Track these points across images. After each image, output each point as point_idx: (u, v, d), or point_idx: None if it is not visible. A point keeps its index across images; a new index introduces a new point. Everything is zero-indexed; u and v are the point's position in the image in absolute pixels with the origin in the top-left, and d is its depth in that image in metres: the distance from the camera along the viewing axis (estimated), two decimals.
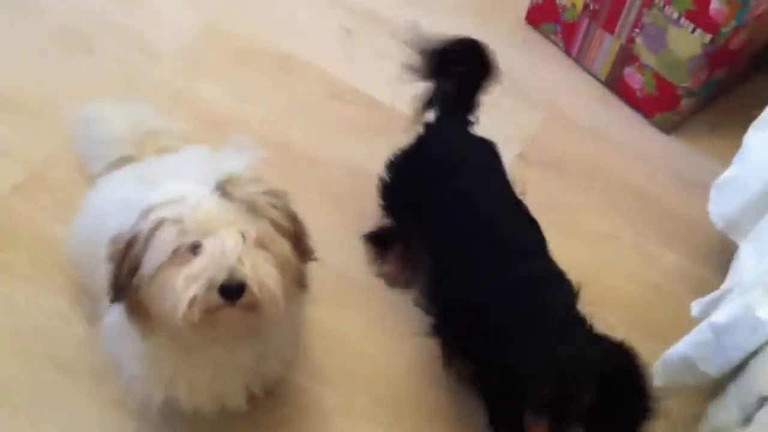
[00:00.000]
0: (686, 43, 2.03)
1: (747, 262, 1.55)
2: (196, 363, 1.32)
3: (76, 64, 2.22)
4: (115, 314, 1.29)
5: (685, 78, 2.10)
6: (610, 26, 2.21)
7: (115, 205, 1.40)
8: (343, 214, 1.97)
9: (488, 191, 1.63)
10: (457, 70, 1.78)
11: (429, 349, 1.71)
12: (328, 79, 2.29)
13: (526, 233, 1.58)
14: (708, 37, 1.98)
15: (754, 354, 1.35)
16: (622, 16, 2.15)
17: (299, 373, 1.68)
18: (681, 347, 1.45)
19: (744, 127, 1.81)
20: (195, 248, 1.14)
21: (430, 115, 1.82)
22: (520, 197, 1.65)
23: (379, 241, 1.89)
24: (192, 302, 1.14)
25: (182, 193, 1.16)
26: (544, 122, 2.25)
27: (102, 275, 1.31)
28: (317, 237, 1.34)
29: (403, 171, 1.76)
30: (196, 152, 1.54)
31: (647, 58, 2.15)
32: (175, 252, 1.15)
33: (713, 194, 1.78)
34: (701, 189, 2.04)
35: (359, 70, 2.33)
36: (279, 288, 1.18)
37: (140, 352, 1.31)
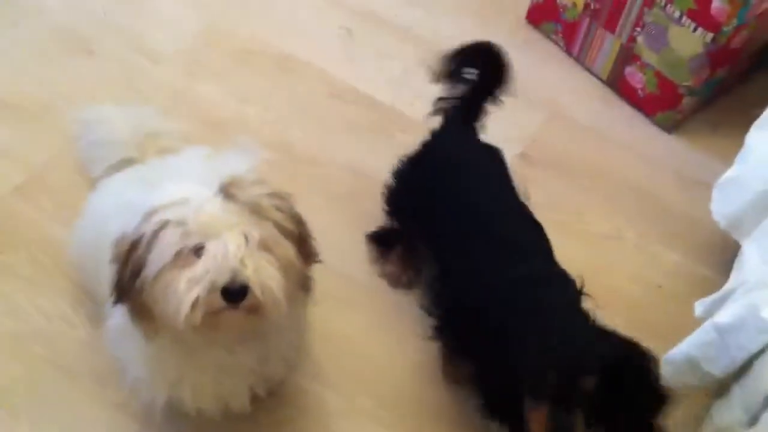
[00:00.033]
0: (688, 42, 2.03)
1: (750, 261, 1.55)
2: (200, 365, 1.32)
3: (76, 64, 2.22)
4: (119, 316, 1.28)
5: (686, 77, 2.10)
6: (611, 25, 2.20)
7: (117, 207, 1.39)
8: (344, 215, 1.97)
9: (493, 197, 1.63)
10: (470, 75, 1.78)
11: (431, 349, 1.72)
12: (328, 79, 2.29)
13: (528, 234, 1.58)
14: (709, 36, 1.98)
15: (758, 354, 1.35)
16: (623, 15, 2.15)
17: (301, 375, 1.68)
18: (684, 347, 1.45)
19: (745, 126, 1.81)
20: (198, 250, 1.14)
21: (439, 120, 1.83)
22: (526, 202, 1.65)
23: (381, 241, 1.89)
24: (194, 304, 1.13)
25: (185, 195, 1.15)
26: (544, 122, 2.25)
27: (104, 277, 1.31)
28: (318, 238, 1.33)
29: (408, 177, 1.77)
30: (197, 154, 1.53)
31: (648, 57, 2.15)
32: (178, 254, 1.14)
33: (715, 194, 1.78)
34: (703, 188, 2.04)
35: (359, 70, 2.33)
36: (282, 291, 1.17)
37: (144, 353, 1.31)
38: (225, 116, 2.15)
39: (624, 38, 2.19)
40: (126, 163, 1.72)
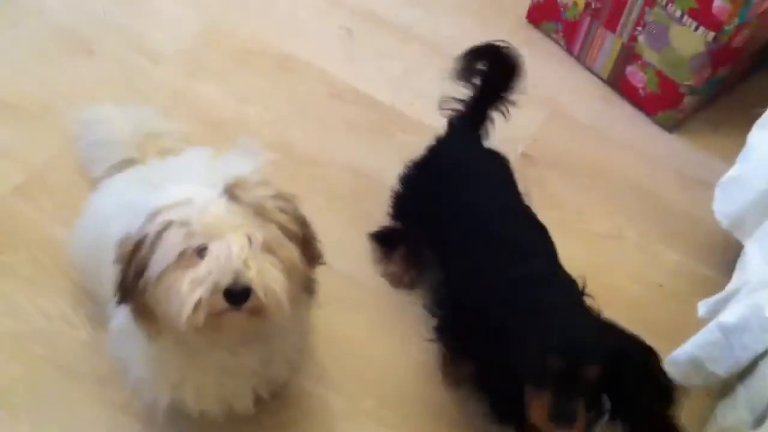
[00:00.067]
0: (689, 41, 2.03)
1: (753, 261, 1.55)
2: (203, 366, 1.31)
3: (76, 64, 2.22)
4: (122, 316, 1.28)
5: (687, 76, 2.10)
6: (612, 25, 2.20)
7: (118, 208, 1.40)
8: (344, 215, 1.97)
9: (498, 202, 1.63)
10: (480, 77, 1.80)
11: (434, 349, 1.72)
12: (328, 79, 2.28)
13: (532, 237, 1.58)
14: (711, 35, 1.98)
15: (763, 354, 1.35)
16: (624, 14, 2.15)
17: (305, 377, 1.67)
18: (689, 348, 1.45)
19: (746, 124, 1.81)
20: (201, 251, 1.13)
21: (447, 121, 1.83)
22: (530, 204, 1.66)
23: (384, 241, 1.88)
24: (197, 305, 1.13)
25: (189, 196, 1.15)
26: (545, 121, 2.25)
27: (106, 278, 1.31)
28: (319, 238, 1.32)
29: (414, 183, 1.77)
30: (198, 154, 1.53)
31: (650, 56, 2.15)
32: (182, 255, 1.14)
33: (718, 193, 1.78)
34: (703, 187, 2.05)
35: (359, 70, 2.32)
36: (285, 293, 1.16)
37: (147, 354, 1.31)
38: (225, 116, 2.15)
39: (625, 37, 2.18)
40: (127, 163, 1.72)
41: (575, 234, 1.99)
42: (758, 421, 1.32)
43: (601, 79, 2.35)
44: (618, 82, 2.30)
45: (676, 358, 1.46)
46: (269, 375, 1.40)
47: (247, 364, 1.33)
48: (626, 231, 2.04)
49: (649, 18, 2.09)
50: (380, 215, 1.90)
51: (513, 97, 1.82)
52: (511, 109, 1.83)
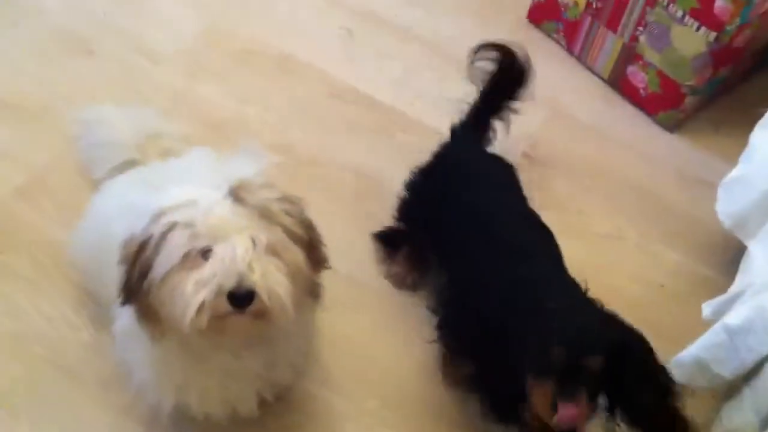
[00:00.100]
0: (691, 41, 2.03)
1: (758, 262, 1.55)
2: (207, 369, 1.31)
3: (75, 65, 2.21)
4: (126, 318, 1.28)
5: (689, 76, 2.10)
6: (613, 25, 2.20)
7: (120, 209, 1.39)
8: (346, 215, 1.96)
9: (503, 206, 1.64)
10: (487, 82, 1.82)
11: (436, 350, 1.72)
12: (328, 79, 2.28)
13: (537, 240, 1.58)
14: (712, 35, 1.98)
15: None
16: (626, 14, 2.15)
17: (308, 379, 1.67)
18: (694, 350, 1.44)
19: (747, 124, 1.81)
20: (206, 253, 1.13)
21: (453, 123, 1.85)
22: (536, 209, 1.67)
23: (388, 242, 1.88)
24: (201, 308, 1.12)
25: (194, 197, 1.15)
26: (545, 121, 2.24)
27: (108, 279, 1.31)
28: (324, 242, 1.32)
29: (420, 189, 1.77)
30: (200, 156, 1.53)
31: (651, 56, 2.15)
32: (186, 256, 1.13)
33: (720, 193, 1.77)
34: (705, 187, 2.05)
35: (359, 70, 2.32)
36: (289, 296, 1.16)
37: (151, 356, 1.30)
38: (225, 117, 2.14)
39: (626, 37, 2.18)
40: (128, 164, 1.72)
41: (576, 234, 1.98)
42: (764, 423, 1.32)
43: (602, 79, 2.34)
44: (619, 82, 2.30)
45: (681, 359, 1.46)
46: (273, 378, 1.40)
47: (252, 367, 1.33)
48: (627, 231, 2.04)
49: (650, 18, 2.08)
50: (381, 215, 1.91)
51: (517, 104, 1.84)
52: (512, 111, 1.84)
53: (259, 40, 2.34)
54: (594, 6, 2.22)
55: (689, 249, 2.02)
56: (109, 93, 2.13)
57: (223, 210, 1.13)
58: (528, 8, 2.47)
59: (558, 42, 2.42)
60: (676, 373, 1.43)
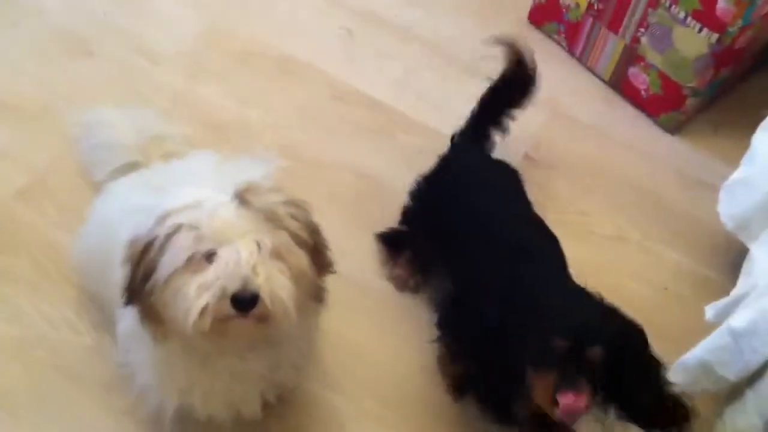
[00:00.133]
0: (693, 42, 2.02)
1: (761, 265, 1.55)
2: (211, 371, 1.30)
3: (76, 66, 2.21)
4: (129, 319, 1.27)
5: (691, 78, 2.09)
6: (614, 26, 2.20)
7: (123, 212, 1.39)
8: (347, 216, 1.96)
9: (508, 213, 1.64)
10: (493, 87, 1.82)
11: (436, 349, 1.72)
12: (329, 80, 2.28)
13: (537, 242, 1.58)
14: (715, 36, 1.97)
15: None
16: (627, 15, 2.14)
17: (311, 380, 1.67)
18: (698, 352, 1.44)
19: (747, 125, 1.81)
20: (210, 256, 1.12)
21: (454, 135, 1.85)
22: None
23: (391, 243, 1.88)
24: (204, 311, 1.12)
25: (200, 200, 1.14)
26: (546, 122, 2.24)
27: (112, 282, 1.30)
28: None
29: (424, 197, 1.77)
30: (203, 158, 1.52)
31: (653, 58, 2.14)
32: (190, 259, 1.13)
33: (722, 195, 1.77)
34: (705, 189, 2.06)
35: (360, 70, 2.32)
36: (292, 301, 1.15)
37: (154, 358, 1.30)
38: (226, 118, 2.14)
39: (627, 39, 2.18)
40: (130, 167, 1.71)
41: (576, 235, 1.98)
42: None
43: (603, 80, 2.34)
44: (620, 84, 2.29)
45: (686, 362, 1.46)
46: (277, 380, 1.40)
47: (256, 369, 1.33)
48: (628, 232, 2.04)
49: (652, 19, 2.08)
50: (383, 217, 1.91)
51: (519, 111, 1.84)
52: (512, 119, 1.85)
53: (260, 40, 2.34)
54: (595, 7, 2.22)
55: (690, 250, 2.02)
56: (109, 93, 2.13)
57: (228, 213, 1.13)
58: (529, 9, 2.47)
59: (559, 43, 2.42)
60: (681, 376, 1.43)
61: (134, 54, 2.26)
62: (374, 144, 2.14)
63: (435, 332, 1.67)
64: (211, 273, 1.12)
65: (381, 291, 1.85)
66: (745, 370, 1.39)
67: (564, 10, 2.33)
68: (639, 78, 2.22)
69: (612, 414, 1.37)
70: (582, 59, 2.37)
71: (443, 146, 1.86)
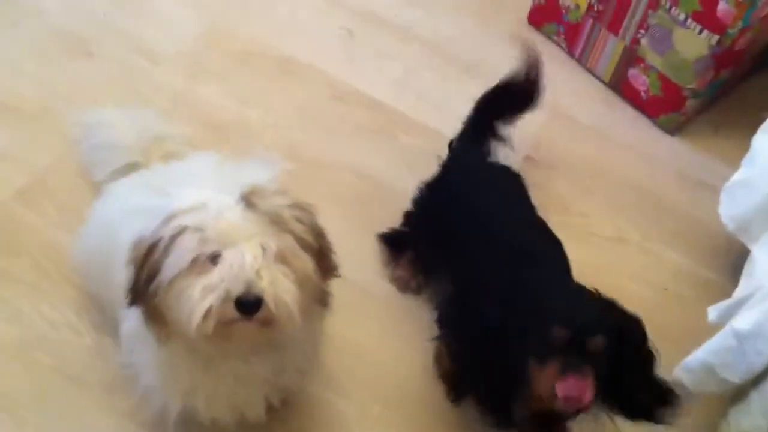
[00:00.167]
0: (693, 44, 2.03)
1: (763, 267, 1.55)
2: (215, 374, 1.30)
3: (75, 66, 2.20)
4: (133, 320, 1.27)
5: (690, 79, 2.10)
6: (614, 27, 2.20)
7: (124, 213, 1.39)
8: (347, 217, 1.95)
9: (511, 216, 1.64)
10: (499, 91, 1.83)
11: (434, 347, 1.72)
12: (329, 80, 2.27)
13: (540, 246, 1.58)
14: (715, 38, 1.98)
15: None
16: (627, 17, 2.14)
17: (314, 383, 1.66)
18: (701, 354, 1.44)
19: (747, 126, 1.82)
20: (214, 258, 1.12)
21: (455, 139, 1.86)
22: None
23: (393, 244, 1.88)
24: (207, 313, 1.11)
25: (205, 201, 1.14)
26: (546, 123, 2.24)
27: (113, 284, 1.30)
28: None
29: (427, 204, 1.78)
30: (205, 159, 1.52)
31: (653, 59, 2.14)
32: (195, 261, 1.12)
33: (723, 197, 1.78)
34: (706, 190, 2.06)
35: (360, 71, 2.31)
36: (296, 305, 1.15)
37: (158, 360, 1.30)
38: (226, 119, 2.13)
39: (627, 40, 2.18)
40: (130, 167, 1.70)
41: (577, 236, 1.97)
42: None
43: (603, 82, 2.35)
44: (620, 85, 2.30)
45: (690, 364, 1.46)
46: (282, 383, 1.39)
47: (260, 373, 1.32)
48: (629, 233, 2.05)
49: (652, 21, 2.08)
50: (384, 218, 1.90)
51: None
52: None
53: (260, 40, 2.34)
54: (595, 8, 2.22)
55: (690, 251, 2.02)
56: (109, 94, 2.12)
57: (233, 215, 1.13)
58: (528, 10, 2.47)
59: (558, 44, 2.42)
60: (684, 379, 1.43)
61: (134, 54, 2.25)
62: (374, 144, 2.14)
63: (436, 332, 1.67)
64: (216, 275, 1.11)
65: (383, 292, 1.85)
66: (749, 372, 1.39)
67: (564, 11, 2.33)
68: (639, 79, 2.22)
69: (604, 409, 1.38)
70: (582, 60, 2.37)
71: (443, 146, 1.86)
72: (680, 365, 1.47)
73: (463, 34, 2.44)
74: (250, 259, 1.11)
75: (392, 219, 1.88)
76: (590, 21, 2.26)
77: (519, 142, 2.11)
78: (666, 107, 2.21)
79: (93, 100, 2.07)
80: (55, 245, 1.80)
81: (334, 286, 1.35)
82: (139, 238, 1.18)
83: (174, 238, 1.14)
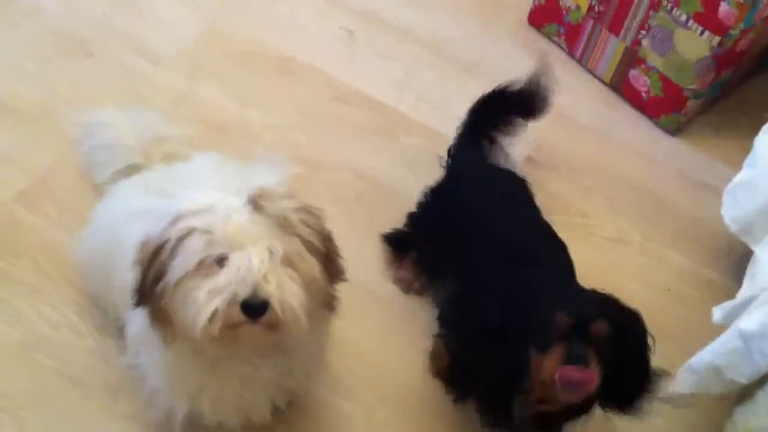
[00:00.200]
0: (694, 45, 2.03)
1: (766, 268, 1.55)
2: (221, 376, 1.30)
3: (75, 67, 2.19)
4: (139, 322, 1.26)
5: (691, 80, 2.10)
6: (615, 28, 2.20)
7: (127, 215, 1.38)
8: (348, 218, 1.95)
9: (515, 219, 1.64)
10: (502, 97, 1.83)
11: (433, 344, 1.72)
12: (329, 81, 2.27)
13: (544, 248, 1.58)
14: (716, 39, 1.98)
15: None
16: (628, 18, 2.14)
17: (318, 385, 1.66)
18: (707, 355, 1.44)
19: (747, 127, 1.83)
20: (221, 260, 1.12)
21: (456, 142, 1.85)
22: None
23: (396, 244, 1.88)
24: (213, 316, 1.11)
25: (213, 203, 1.14)
26: (547, 123, 2.21)
27: (116, 285, 1.30)
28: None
29: (431, 212, 1.77)
30: (207, 160, 1.51)
31: (653, 60, 2.14)
32: (202, 263, 1.12)
33: (726, 198, 1.78)
34: (707, 190, 2.07)
35: (361, 71, 2.31)
36: (303, 308, 1.15)
37: (164, 362, 1.29)
38: (227, 119, 2.13)
39: (628, 41, 2.18)
40: (132, 168, 1.70)
41: (579, 236, 1.98)
42: None
43: (604, 82, 2.35)
44: (621, 86, 2.30)
45: (695, 366, 1.46)
46: (287, 386, 1.39)
47: (266, 375, 1.32)
48: (630, 234, 2.05)
49: (653, 22, 2.08)
50: (384, 218, 1.91)
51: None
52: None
53: (260, 41, 2.33)
54: (596, 9, 2.22)
55: (692, 252, 2.02)
56: (110, 95, 2.12)
57: (241, 218, 1.12)
58: (529, 10, 2.47)
59: (559, 45, 2.42)
60: (690, 380, 1.43)
61: (134, 55, 2.24)
62: (375, 144, 2.14)
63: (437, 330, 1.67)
64: (222, 278, 1.11)
65: (385, 293, 1.84)
66: (755, 373, 1.39)
67: (564, 11, 2.33)
68: (640, 80, 2.22)
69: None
70: (582, 61, 2.37)
71: (444, 146, 1.86)
72: (685, 366, 1.47)
73: (463, 34, 2.44)
74: (257, 262, 1.11)
75: (392, 219, 1.88)
76: (591, 22, 2.26)
77: (519, 142, 2.12)
78: (667, 108, 2.21)
79: (93, 100, 2.06)
80: (55, 246, 1.80)
81: (339, 286, 1.35)
82: (146, 238, 1.18)
83: (181, 239, 1.13)
